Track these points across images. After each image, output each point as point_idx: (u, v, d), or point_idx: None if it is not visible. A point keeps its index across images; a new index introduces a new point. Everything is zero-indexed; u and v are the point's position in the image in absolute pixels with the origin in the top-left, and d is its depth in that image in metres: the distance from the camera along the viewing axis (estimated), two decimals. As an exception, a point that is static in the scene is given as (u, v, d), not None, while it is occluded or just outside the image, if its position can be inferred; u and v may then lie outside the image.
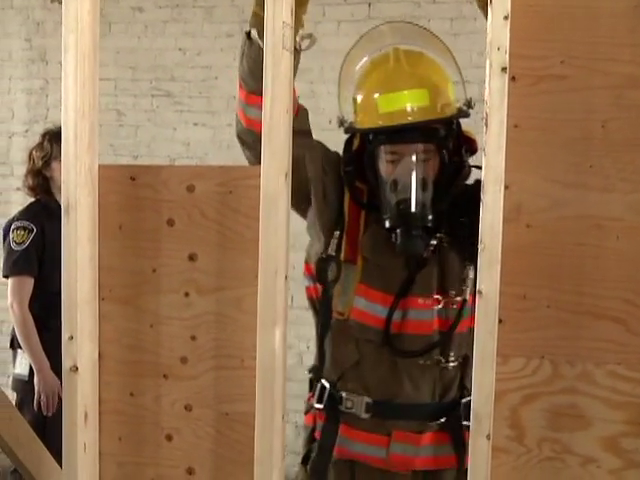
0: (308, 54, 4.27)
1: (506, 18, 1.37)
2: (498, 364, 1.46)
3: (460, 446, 1.86)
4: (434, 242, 1.83)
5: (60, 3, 1.46)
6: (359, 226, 1.89)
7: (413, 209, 1.77)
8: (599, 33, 1.41)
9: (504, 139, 1.39)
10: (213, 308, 1.62)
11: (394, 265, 1.87)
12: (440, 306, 1.87)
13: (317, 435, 1.98)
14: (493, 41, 1.38)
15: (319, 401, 1.95)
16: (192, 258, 1.62)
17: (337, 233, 1.90)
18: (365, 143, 1.88)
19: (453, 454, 1.90)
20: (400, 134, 1.80)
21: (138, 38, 4.47)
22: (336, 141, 4.40)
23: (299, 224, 4.12)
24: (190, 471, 1.65)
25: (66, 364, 1.61)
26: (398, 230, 1.79)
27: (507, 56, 1.38)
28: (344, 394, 1.91)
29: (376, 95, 1.83)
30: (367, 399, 1.88)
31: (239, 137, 1.98)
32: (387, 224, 1.80)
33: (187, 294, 1.63)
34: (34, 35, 4.63)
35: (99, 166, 1.62)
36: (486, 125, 1.40)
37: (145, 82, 4.48)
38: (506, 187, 1.44)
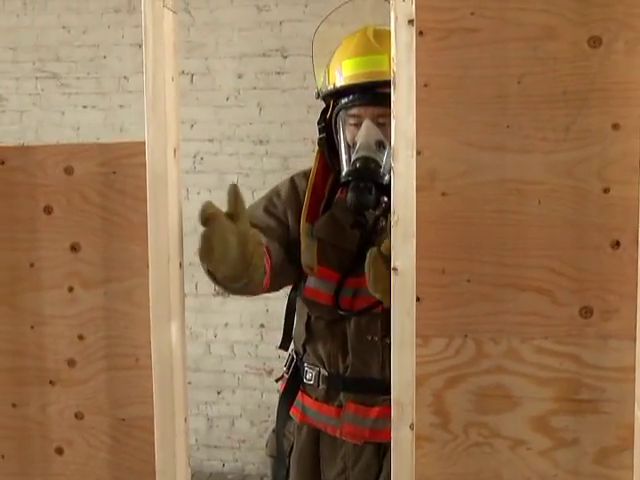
0: (202, 28, 4.11)
1: (410, -35, 1.24)
2: (418, 346, 1.34)
3: None
4: (385, 199, 1.87)
5: None
6: (324, 191, 1.98)
7: (366, 165, 1.85)
8: (510, -20, 1.29)
9: (414, 99, 1.27)
10: (101, 303, 1.45)
11: (347, 244, 1.92)
12: None
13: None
14: (397, -9, 1.24)
15: (288, 370, 2.07)
16: (75, 248, 1.45)
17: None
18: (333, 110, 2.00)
19: None
20: (358, 97, 1.90)
21: (17, 16, 4.15)
22: (234, 116, 4.24)
23: (199, 208, 3.92)
24: (85, 485, 1.49)
25: None
26: (350, 185, 1.86)
27: (414, 7, 1.25)
28: (306, 366, 1.99)
29: (341, 62, 1.95)
30: (323, 371, 1.95)
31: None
32: (342, 179, 1.90)
33: (71, 289, 1.46)
34: None
35: (-40, 149, 1.43)
36: (394, 84, 1.27)
37: (28, 63, 4.18)
38: (418, 152, 1.32)
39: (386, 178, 1.84)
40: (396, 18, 1.25)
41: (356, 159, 1.86)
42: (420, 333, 1.34)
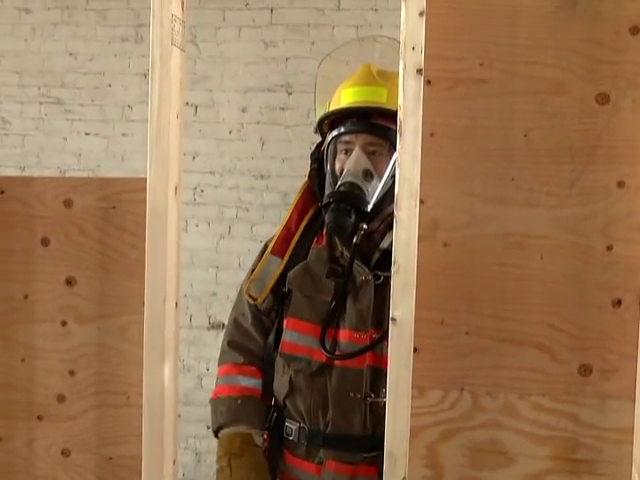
0: (208, 61, 4.12)
1: (422, 14, 1.23)
2: (414, 397, 1.32)
3: None
4: (365, 227, 1.83)
5: None
6: (299, 226, 1.93)
7: (349, 189, 1.82)
8: (519, 34, 1.29)
9: (420, 148, 1.26)
10: (94, 338, 1.43)
11: (322, 295, 1.87)
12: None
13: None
14: (407, 40, 1.24)
15: (269, 424, 1.98)
16: (70, 282, 1.43)
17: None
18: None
19: None
20: (351, 124, 1.88)
21: (25, 41, 4.18)
22: (236, 150, 4.24)
23: (197, 240, 3.90)
24: (68, 525, 1.45)
25: None
26: (330, 206, 1.83)
27: (423, 56, 1.24)
28: (287, 421, 1.93)
29: (341, 91, 1.94)
30: (303, 427, 1.89)
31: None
32: (324, 202, 1.87)
33: (64, 323, 1.44)
34: None
35: (-40, 177, 1.42)
36: (400, 133, 1.26)
37: (33, 88, 4.19)
38: (421, 202, 1.31)
39: (369, 207, 1.82)
40: (405, 67, 1.24)
41: (341, 184, 1.84)
42: (416, 384, 1.32)
